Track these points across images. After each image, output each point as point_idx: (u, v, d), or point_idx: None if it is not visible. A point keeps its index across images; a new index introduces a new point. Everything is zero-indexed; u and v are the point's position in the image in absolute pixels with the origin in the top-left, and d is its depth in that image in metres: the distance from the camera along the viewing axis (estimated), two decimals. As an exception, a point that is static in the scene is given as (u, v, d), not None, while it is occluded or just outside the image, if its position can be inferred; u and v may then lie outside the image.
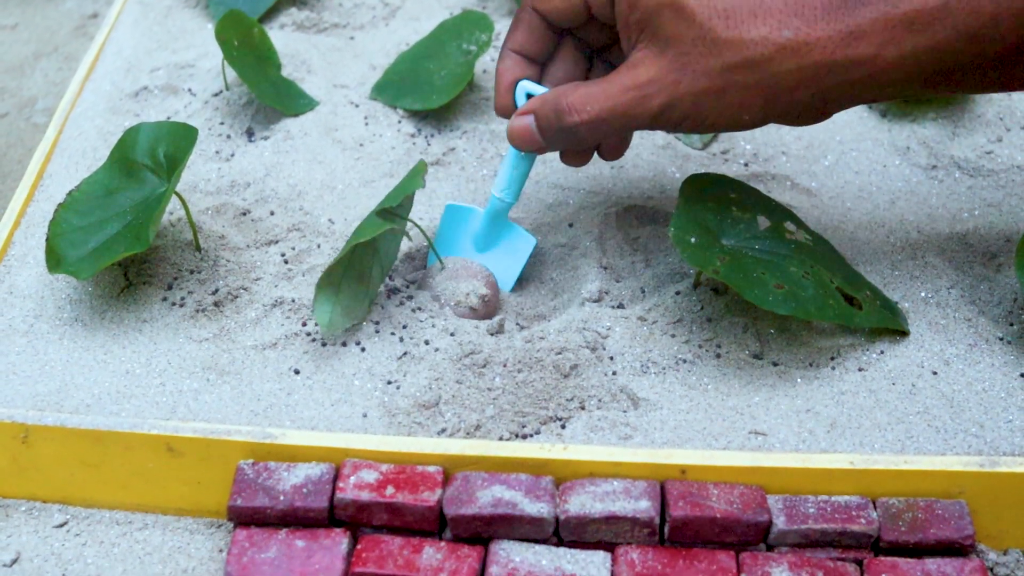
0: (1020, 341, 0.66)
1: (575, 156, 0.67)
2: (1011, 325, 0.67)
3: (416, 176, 0.66)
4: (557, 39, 0.65)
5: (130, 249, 0.65)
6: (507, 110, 0.66)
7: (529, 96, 0.65)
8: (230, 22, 0.83)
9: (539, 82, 0.66)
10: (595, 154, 0.68)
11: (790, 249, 0.66)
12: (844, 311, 0.64)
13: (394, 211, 0.66)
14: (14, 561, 0.59)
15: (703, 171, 0.77)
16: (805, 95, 0.58)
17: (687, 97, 0.59)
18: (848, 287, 0.66)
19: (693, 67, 0.58)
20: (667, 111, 0.59)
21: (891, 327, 0.66)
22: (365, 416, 0.62)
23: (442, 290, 0.68)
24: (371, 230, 0.63)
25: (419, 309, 0.68)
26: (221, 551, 0.60)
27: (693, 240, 0.64)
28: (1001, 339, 0.66)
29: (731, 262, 0.63)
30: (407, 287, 0.70)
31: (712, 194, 0.68)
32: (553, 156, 0.81)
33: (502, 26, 0.94)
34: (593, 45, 0.66)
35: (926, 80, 0.58)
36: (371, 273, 0.67)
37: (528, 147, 0.64)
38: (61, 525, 0.61)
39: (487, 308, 0.68)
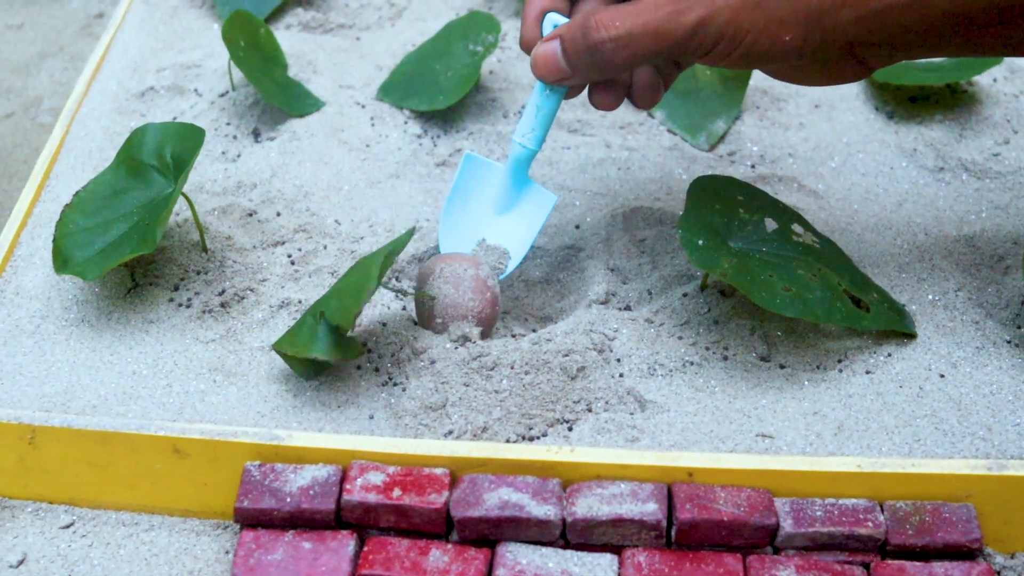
0: (1028, 344, 0.66)
1: (604, 94, 0.63)
2: (1019, 328, 0.67)
3: (368, 273, 0.60)
4: None
5: (137, 250, 0.65)
6: (534, 43, 0.62)
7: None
8: (236, 22, 0.83)
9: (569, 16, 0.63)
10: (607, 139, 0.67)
11: (797, 251, 0.66)
12: (851, 314, 0.64)
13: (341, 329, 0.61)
14: (20, 562, 0.59)
15: (710, 173, 0.76)
16: (848, 18, 0.56)
17: (724, 10, 0.56)
18: (855, 289, 0.66)
19: None
20: (703, 27, 0.56)
21: (898, 330, 0.66)
22: (372, 418, 0.62)
23: (432, 327, 0.66)
24: (304, 345, 0.61)
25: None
26: (228, 552, 0.60)
27: (701, 242, 0.64)
28: (1009, 342, 0.66)
29: (738, 264, 0.63)
30: (414, 291, 0.70)
31: (719, 196, 0.68)
32: (560, 158, 0.81)
33: (509, 26, 0.94)
34: None
35: (972, 20, 0.55)
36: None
37: (553, 76, 0.61)
38: (67, 526, 0.61)
39: (479, 338, 0.65)
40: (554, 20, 0.62)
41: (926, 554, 0.57)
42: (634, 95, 0.64)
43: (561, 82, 0.62)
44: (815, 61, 0.59)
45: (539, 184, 0.69)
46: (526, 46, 0.63)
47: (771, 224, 0.68)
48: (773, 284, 0.62)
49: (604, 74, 0.61)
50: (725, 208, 0.68)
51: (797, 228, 0.68)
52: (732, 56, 0.58)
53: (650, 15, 0.56)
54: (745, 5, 0.56)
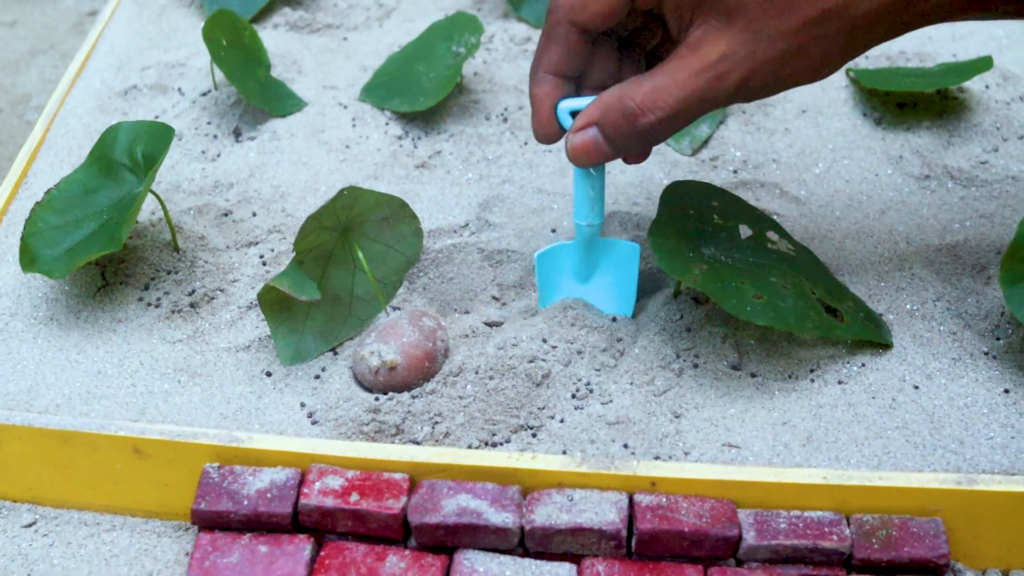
0: (1005, 356, 0.64)
1: (640, 155, 0.63)
2: (997, 339, 0.66)
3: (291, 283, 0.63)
4: (591, 48, 0.60)
5: (104, 249, 0.64)
6: (552, 136, 0.61)
7: (574, 113, 0.59)
8: (218, 21, 0.83)
9: (576, 94, 0.61)
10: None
11: (772, 259, 0.65)
12: (824, 322, 0.63)
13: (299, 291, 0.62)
14: (-20, 561, 0.59)
15: (691, 178, 0.75)
16: (883, 30, 0.55)
17: (766, 66, 0.55)
18: (830, 299, 0.64)
19: (767, 32, 0.54)
20: (746, 85, 0.55)
21: (874, 340, 0.65)
22: (334, 421, 0.61)
23: (357, 344, 0.64)
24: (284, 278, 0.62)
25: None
26: (188, 554, 0.59)
27: (672, 247, 0.63)
28: (986, 354, 0.65)
29: (710, 271, 0.62)
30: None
31: (694, 202, 0.67)
32: (540, 161, 0.80)
33: (495, 28, 0.94)
34: (624, 40, 0.62)
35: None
36: (351, 293, 0.66)
37: (596, 161, 0.59)
38: (29, 525, 0.61)
39: (392, 378, 0.62)
40: (569, 107, 0.60)
41: (892, 569, 0.56)
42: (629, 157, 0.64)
43: (603, 163, 0.61)
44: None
45: (617, 240, 0.66)
46: (544, 139, 0.61)
47: (746, 231, 0.67)
48: (744, 291, 0.61)
49: (649, 147, 0.61)
50: (699, 214, 0.67)
51: (772, 235, 0.67)
52: (772, 94, 0.58)
53: (692, 86, 0.55)
54: (784, 55, 0.55)
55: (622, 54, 0.62)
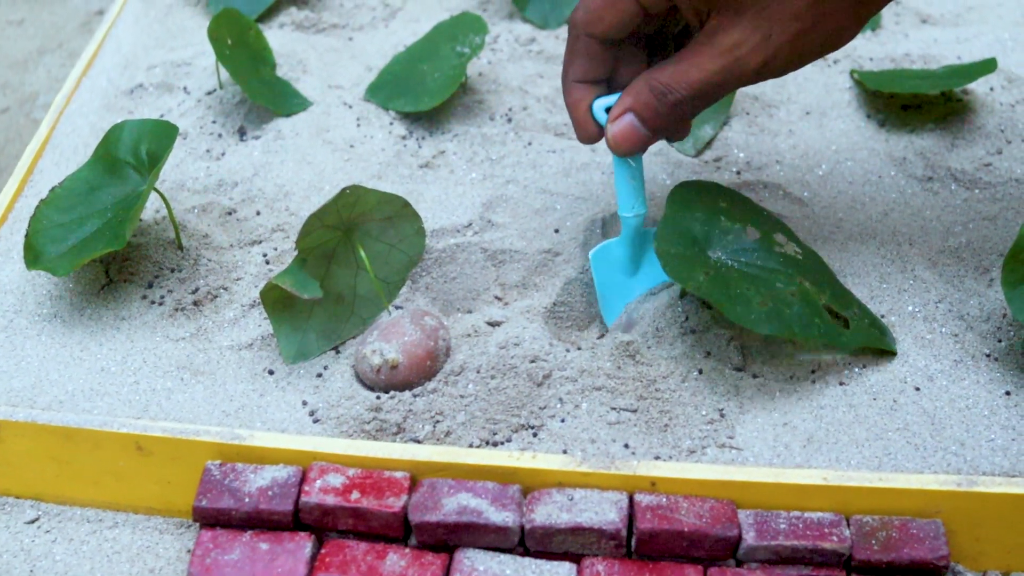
0: (1007, 358, 0.64)
1: (675, 133, 0.65)
2: (999, 342, 0.66)
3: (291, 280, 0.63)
4: (615, 52, 0.62)
5: (108, 247, 0.64)
6: (593, 136, 0.64)
7: (607, 109, 0.63)
8: (223, 21, 0.83)
9: (607, 93, 0.64)
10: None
11: (779, 263, 0.65)
12: (830, 330, 0.62)
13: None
14: (-17, 556, 0.59)
15: (694, 178, 0.75)
16: None
17: (784, 46, 0.57)
18: (836, 304, 0.64)
19: (779, 15, 0.56)
20: (767, 66, 0.58)
21: (879, 347, 0.64)
22: (336, 419, 0.61)
23: (359, 343, 0.65)
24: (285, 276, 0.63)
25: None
26: (189, 551, 0.60)
27: (677, 252, 0.63)
28: (988, 355, 0.65)
29: (715, 277, 0.62)
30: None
31: (701, 202, 0.67)
32: (544, 161, 0.80)
33: (500, 29, 0.94)
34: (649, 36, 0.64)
35: None
36: (353, 292, 0.66)
37: (636, 146, 0.62)
38: (32, 521, 0.61)
39: (394, 376, 0.62)
40: (603, 104, 0.63)
41: (892, 570, 0.56)
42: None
43: (643, 149, 0.63)
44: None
45: (653, 230, 0.68)
46: (589, 140, 0.64)
47: (753, 233, 0.66)
48: (749, 298, 0.61)
49: (684, 122, 0.63)
50: (707, 215, 0.66)
51: (780, 238, 0.67)
52: (798, 68, 0.60)
53: (712, 68, 0.58)
54: (800, 34, 0.57)
55: (650, 45, 0.64)
